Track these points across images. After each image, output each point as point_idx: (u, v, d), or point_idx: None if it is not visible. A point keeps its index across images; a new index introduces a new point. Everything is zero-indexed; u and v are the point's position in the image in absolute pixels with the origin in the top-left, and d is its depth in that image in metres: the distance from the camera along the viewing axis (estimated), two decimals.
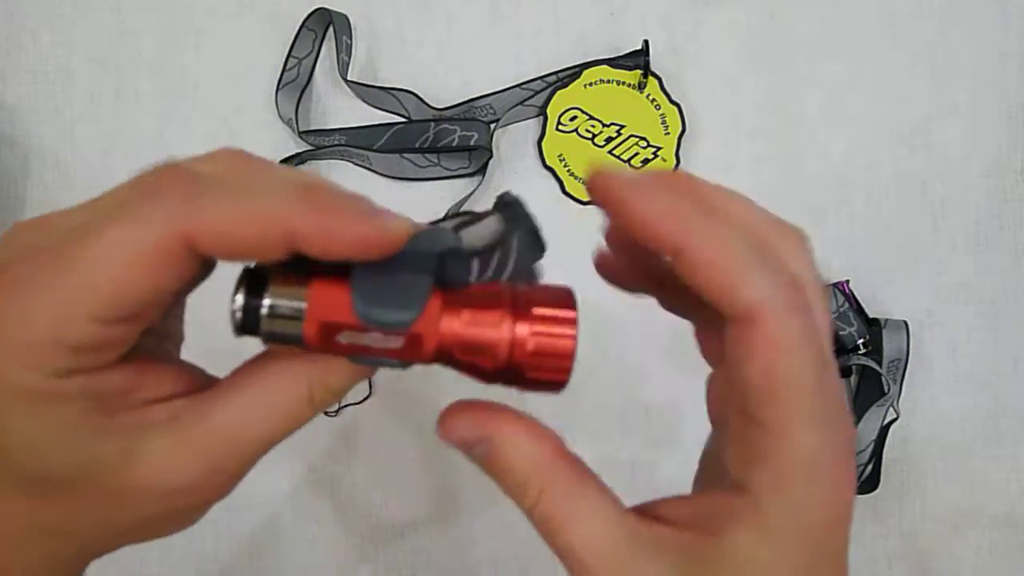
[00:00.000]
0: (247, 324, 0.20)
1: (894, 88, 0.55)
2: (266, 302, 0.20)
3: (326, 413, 0.50)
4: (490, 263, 0.21)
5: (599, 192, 0.21)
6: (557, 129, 0.54)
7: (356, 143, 0.53)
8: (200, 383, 0.22)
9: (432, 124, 0.53)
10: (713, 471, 0.24)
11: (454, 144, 0.53)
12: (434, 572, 0.50)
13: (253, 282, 0.20)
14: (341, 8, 0.53)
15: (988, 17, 0.55)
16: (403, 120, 0.54)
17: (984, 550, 0.53)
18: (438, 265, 0.21)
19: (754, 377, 0.19)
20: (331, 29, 0.54)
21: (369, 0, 0.54)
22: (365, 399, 0.50)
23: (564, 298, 0.21)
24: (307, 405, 0.21)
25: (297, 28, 0.53)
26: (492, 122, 0.53)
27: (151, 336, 0.22)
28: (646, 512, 0.22)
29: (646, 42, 0.53)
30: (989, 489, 0.53)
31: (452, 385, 0.52)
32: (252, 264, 0.21)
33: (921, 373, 0.53)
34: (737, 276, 0.19)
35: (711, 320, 0.22)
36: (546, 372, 0.20)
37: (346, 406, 0.50)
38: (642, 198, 0.20)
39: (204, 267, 0.21)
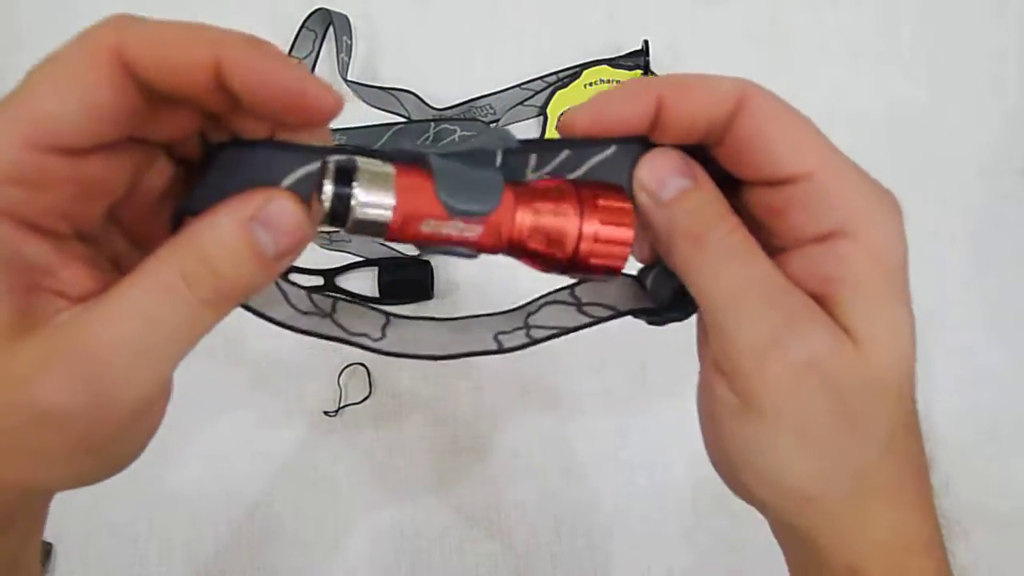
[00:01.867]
0: (337, 213, 0.19)
1: (893, 88, 0.55)
2: (357, 191, 0.20)
3: (326, 413, 0.50)
4: (549, 160, 0.23)
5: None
6: (557, 129, 0.54)
7: (356, 143, 0.53)
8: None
9: (432, 124, 0.53)
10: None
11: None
12: (434, 572, 0.50)
13: (340, 173, 0.20)
14: (341, 8, 0.53)
15: (988, 17, 0.55)
16: (403, 120, 0.54)
17: (984, 550, 0.53)
18: (502, 161, 0.22)
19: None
20: (331, 29, 0.54)
21: (369, 0, 0.54)
22: (365, 399, 0.50)
23: (620, 191, 0.22)
24: (180, 284, 0.18)
25: (297, 28, 0.53)
26: (492, 122, 0.53)
27: (88, 241, 0.21)
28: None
29: (646, 42, 0.53)
30: (989, 489, 0.53)
31: (451, 384, 0.52)
32: (337, 158, 0.20)
33: (921, 373, 0.52)
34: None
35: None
36: (608, 259, 0.21)
37: (346, 406, 0.50)
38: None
39: (145, 110, 0.19)
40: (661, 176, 0.22)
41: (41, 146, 0.17)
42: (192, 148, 0.22)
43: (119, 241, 0.22)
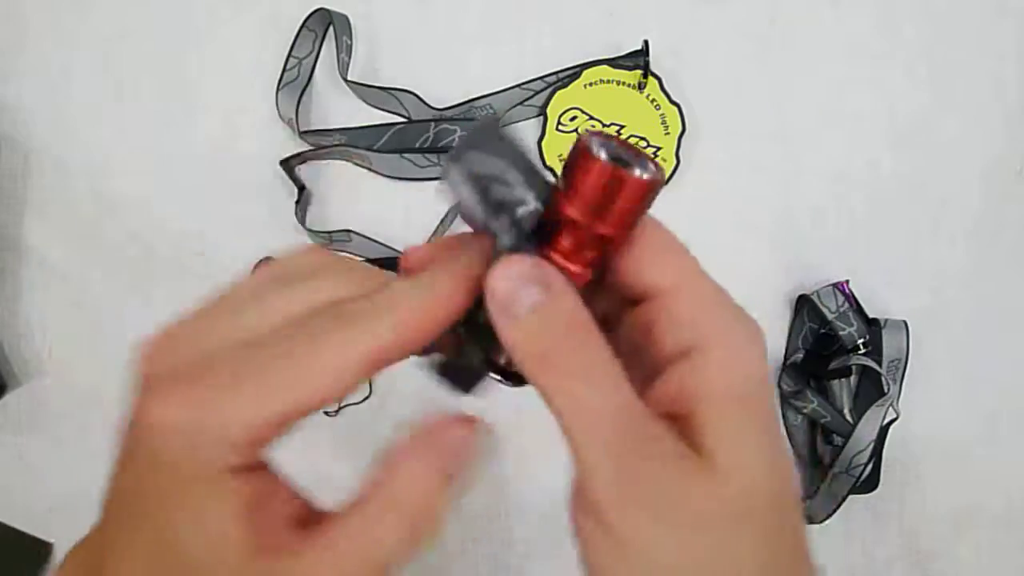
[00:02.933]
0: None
1: (894, 88, 0.55)
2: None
3: (326, 413, 0.50)
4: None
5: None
6: (557, 129, 0.54)
7: (356, 143, 0.53)
8: (304, 501, 0.23)
9: (432, 124, 0.53)
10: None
11: (454, 144, 0.53)
12: (434, 572, 0.50)
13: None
14: (341, 8, 0.53)
15: (987, 17, 0.55)
16: (403, 120, 0.54)
17: (984, 550, 0.53)
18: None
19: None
20: (331, 29, 0.54)
21: (369, 0, 0.54)
22: (365, 399, 0.50)
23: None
24: (408, 535, 0.21)
25: (297, 28, 0.53)
26: None
27: None
28: None
29: (646, 42, 0.53)
30: (989, 489, 0.53)
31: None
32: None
33: (921, 373, 0.53)
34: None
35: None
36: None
37: (346, 406, 0.50)
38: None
39: None
40: (515, 285, 0.20)
41: (297, 416, 0.20)
42: None
43: None
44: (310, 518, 0.22)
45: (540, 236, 0.21)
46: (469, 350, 0.23)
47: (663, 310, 0.21)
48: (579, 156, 0.21)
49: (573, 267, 0.21)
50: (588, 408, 0.20)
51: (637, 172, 0.20)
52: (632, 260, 0.21)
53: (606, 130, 0.54)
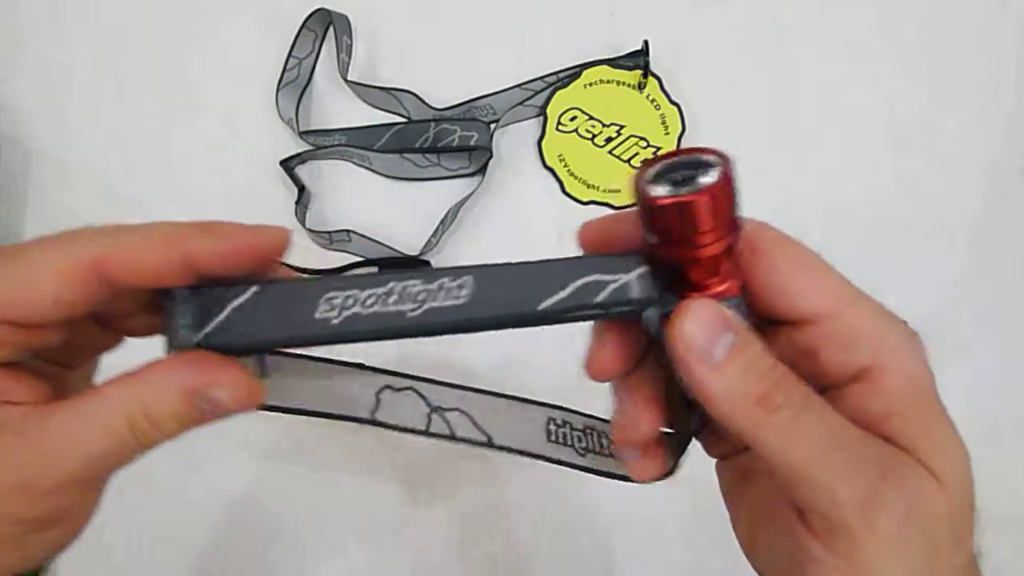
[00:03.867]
0: None
1: (894, 88, 0.55)
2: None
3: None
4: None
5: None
6: (557, 129, 0.54)
7: (356, 143, 0.53)
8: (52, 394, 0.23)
9: (432, 124, 0.53)
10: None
11: (454, 144, 0.53)
12: (434, 572, 0.50)
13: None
14: (341, 8, 0.53)
15: (987, 17, 0.55)
16: (403, 120, 0.54)
17: (984, 550, 0.53)
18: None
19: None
20: (331, 29, 0.54)
21: (369, 0, 0.54)
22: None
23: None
24: (127, 429, 0.21)
25: (297, 28, 0.53)
26: (492, 122, 0.53)
27: (47, 380, 0.24)
28: None
29: (646, 42, 0.53)
30: (989, 489, 0.53)
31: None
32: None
33: None
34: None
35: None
36: None
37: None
38: None
39: (111, 300, 0.22)
40: (709, 332, 0.20)
41: (7, 322, 0.21)
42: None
43: (45, 366, 0.25)
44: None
45: (673, 287, 0.21)
46: (680, 420, 0.24)
47: (826, 335, 0.21)
48: (643, 202, 0.20)
49: (721, 288, 0.21)
50: (814, 438, 0.20)
51: (702, 182, 0.20)
52: (783, 288, 0.21)
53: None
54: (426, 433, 0.27)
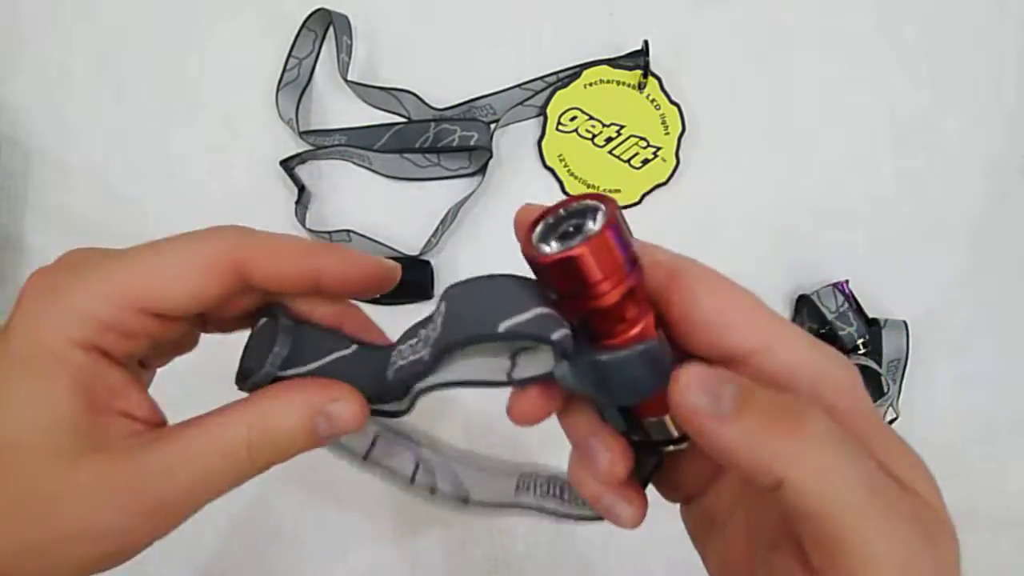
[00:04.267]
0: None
1: (894, 88, 0.55)
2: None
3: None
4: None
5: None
6: (557, 129, 0.54)
7: (356, 143, 0.53)
8: (163, 422, 0.23)
9: (432, 124, 0.53)
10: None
11: (454, 144, 0.53)
12: (434, 572, 0.50)
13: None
14: (341, 8, 0.53)
15: (987, 17, 0.55)
16: (403, 120, 0.54)
17: (984, 550, 0.53)
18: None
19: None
20: (331, 29, 0.54)
21: (369, 0, 0.54)
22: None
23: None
24: (245, 451, 0.21)
25: (297, 28, 0.53)
26: (492, 122, 0.53)
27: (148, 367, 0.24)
28: None
29: (646, 42, 0.53)
30: (988, 489, 0.53)
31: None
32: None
33: (921, 373, 0.53)
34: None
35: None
36: None
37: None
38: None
39: (239, 299, 0.23)
40: (709, 390, 0.19)
41: (144, 310, 0.21)
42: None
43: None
44: (157, 426, 0.23)
45: (594, 336, 0.20)
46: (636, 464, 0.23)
47: (758, 374, 0.20)
48: (530, 262, 0.20)
49: (634, 332, 0.20)
50: (834, 471, 0.18)
51: (588, 229, 0.19)
52: (708, 323, 0.20)
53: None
54: (409, 484, 0.27)
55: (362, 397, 0.22)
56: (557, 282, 0.19)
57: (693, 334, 0.21)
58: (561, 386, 0.20)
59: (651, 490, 0.25)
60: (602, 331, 0.20)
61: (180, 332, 0.23)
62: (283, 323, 0.23)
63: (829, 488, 0.18)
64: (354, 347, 0.23)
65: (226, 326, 0.25)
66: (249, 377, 0.23)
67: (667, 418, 0.22)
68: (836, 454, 0.18)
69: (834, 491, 0.18)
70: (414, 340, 0.22)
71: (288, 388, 0.22)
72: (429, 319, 0.22)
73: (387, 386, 0.22)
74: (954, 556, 0.20)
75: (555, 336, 0.19)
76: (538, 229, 0.20)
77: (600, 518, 0.24)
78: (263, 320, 0.24)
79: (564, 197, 0.21)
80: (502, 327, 0.20)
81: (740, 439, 0.19)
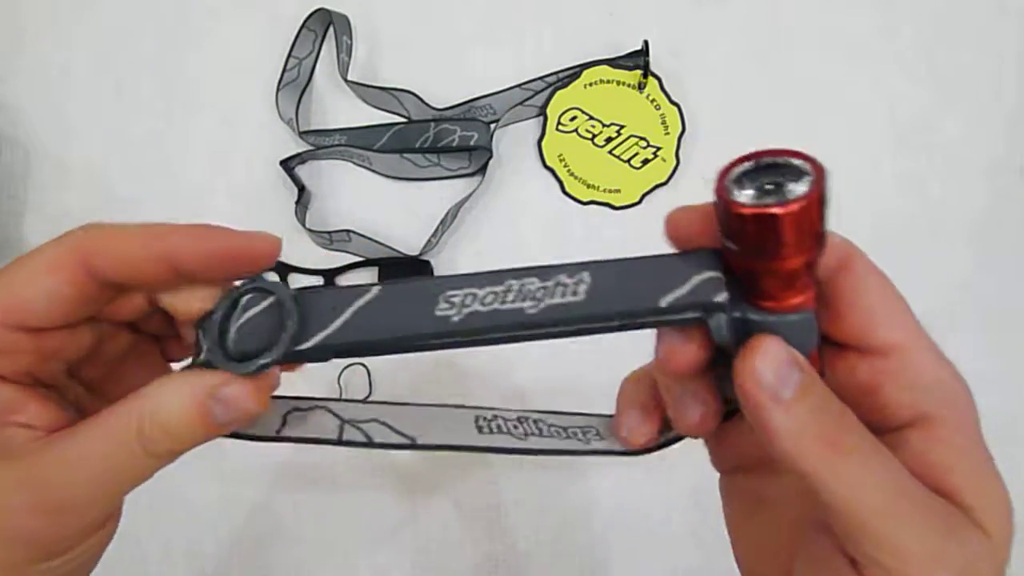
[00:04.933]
0: None
1: (893, 88, 0.55)
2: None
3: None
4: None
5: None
6: (557, 129, 0.54)
7: (356, 143, 0.53)
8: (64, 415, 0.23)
9: (432, 124, 0.53)
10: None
11: (454, 144, 0.53)
12: (434, 572, 0.50)
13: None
14: (341, 8, 0.53)
15: (987, 17, 0.55)
16: (403, 120, 0.54)
17: None
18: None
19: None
20: (331, 29, 0.54)
21: (369, 0, 0.54)
22: (365, 399, 0.50)
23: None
24: (136, 441, 0.21)
25: (297, 28, 0.53)
26: (492, 122, 0.53)
27: (74, 407, 0.24)
28: None
29: (646, 42, 0.53)
30: None
31: (452, 384, 0.52)
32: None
33: None
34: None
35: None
36: None
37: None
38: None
39: (110, 299, 0.23)
40: (779, 370, 0.19)
41: (8, 325, 0.21)
42: (151, 322, 0.25)
43: (79, 389, 0.25)
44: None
45: (746, 294, 0.20)
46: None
47: (894, 371, 0.21)
48: (723, 206, 0.19)
49: (797, 300, 0.20)
50: (882, 486, 0.19)
51: (792, 193, 0.19)
52: (867, 314, 0.21)
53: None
54: (339, 442, 0.26)
55: (264, 376, 0.21)
56: (748, 235, 0.19)
57: (849, 317, 0.21)
58: (712, 335, 0.21)
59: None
60: (769, 292, 0.20)
61: (72, 341, 0.23)
62: (282, 291, 0.22)
63: (858, 496, 0.19)
64: (376, 289, 0.22)
65: (172, 347, 0.25)
66: (253, 358, 0.21)
67: None
68: (863, 467, 0.19)
69: (862, 498, 0.19)
70: (500, 288, 0.21)
71: (176, 375, 0.22)
72: (554, 275, 0.21)
73: (452, 328, 0.21)
74: (987, 555, 0.20)
75: (718, 299, 0.20)
76: (735, 172, 0.19)
77: (595, 452, 0.25)
78: (247, 296, 0.22)
79: (766, 149, 0.20)
80: (663, 302, 0.20)
81: (784, 426, 0.19)
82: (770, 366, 0.19)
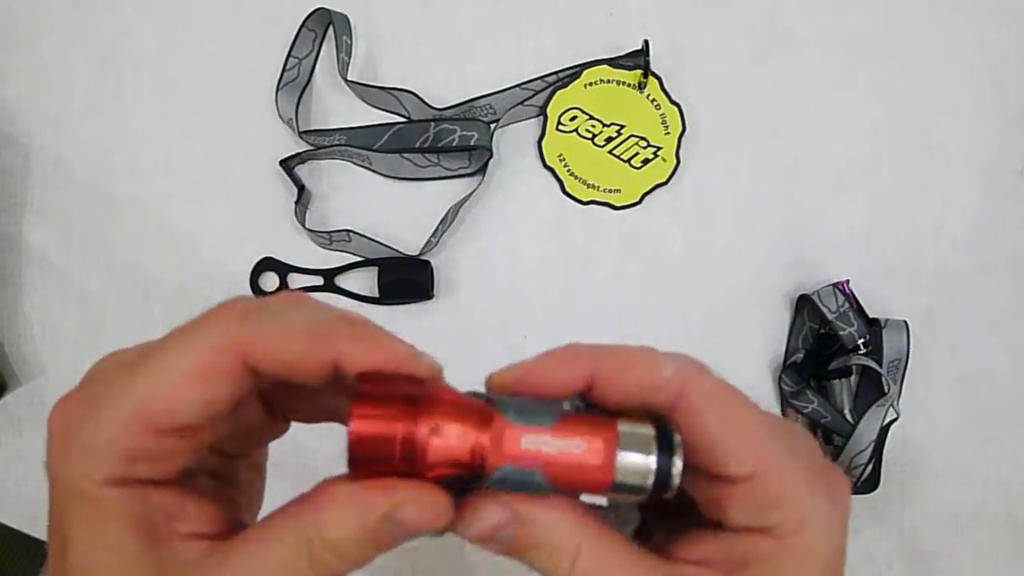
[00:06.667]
0: (660, 483, 0.20)
1: (894, 88, 0.55)
2: (678, 463, 0.20)
3: None
4: None
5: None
6: (557, 129, 0.54)
7: (356, 143, 0.53)
8: (235, 526, 0.22)
9: (432, 124, 0.53)
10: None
11: (454, 144, 0.53)
12: (434, 572, 0.50)
13: (663, 442, 0.21)
14: (341, 8, 0.53)
15: (988, 17, 0.55)
16: (403, 120, 0.54)
17: (984, 550, 0.53)
18: None
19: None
20: (331, 29, 0.54)
21: (369, 0, 0.54)
22: None
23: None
24: (305, 562, 0.20)
25: (297, 28, 0.53)
26: (492, 122, 0.53)
27: (217, 477, 0.23)
28: (669, 555, 0.22)
29: (646, 42, 0.52)
30: (989, 489, 0.53)
31: (452, 383, 0.52)
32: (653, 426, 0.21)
33: (921, 373, 0.53)
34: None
35: None
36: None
37: None
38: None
39: (261, 391, 0.22)
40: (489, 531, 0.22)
41: (161, 430, 0.20)
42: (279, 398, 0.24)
43: (213, 459, 0.24)
44: (228, 534, 0.21)
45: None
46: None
47: (741, 495, 0.21)
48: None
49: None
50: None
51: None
52: (707, 445, 0.21)
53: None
54: None
55: (435, 491, 0.20)
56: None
57: (694, 455, 0.21)
58: None
59: None
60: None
61: (224, 430, 0.22)
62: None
63: None
64: None
65: (306, 410, 0.25)
66: None
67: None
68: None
69: None
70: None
71: (344, 490, 0.20)
72: None
73: None
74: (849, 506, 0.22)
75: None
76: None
77: None
78: None
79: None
80: None
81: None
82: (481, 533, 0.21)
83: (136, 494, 0.20)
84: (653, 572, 0.21)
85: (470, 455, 0.20)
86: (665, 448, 0.20)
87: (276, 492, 0.26)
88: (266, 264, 0.53)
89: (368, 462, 0.20)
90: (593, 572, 0.20)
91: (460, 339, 0.52)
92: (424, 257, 0.52)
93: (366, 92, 0.53)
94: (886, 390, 0.50)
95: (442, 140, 0.53)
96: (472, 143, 0.53)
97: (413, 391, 0.20)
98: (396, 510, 0.20)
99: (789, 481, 0.21)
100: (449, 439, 0.20)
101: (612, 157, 0.54)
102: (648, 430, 0.21)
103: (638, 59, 0.53)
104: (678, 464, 0.20)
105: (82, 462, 0.20)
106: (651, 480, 0.20)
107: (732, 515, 0.21)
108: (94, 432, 0.20)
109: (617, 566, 0.21)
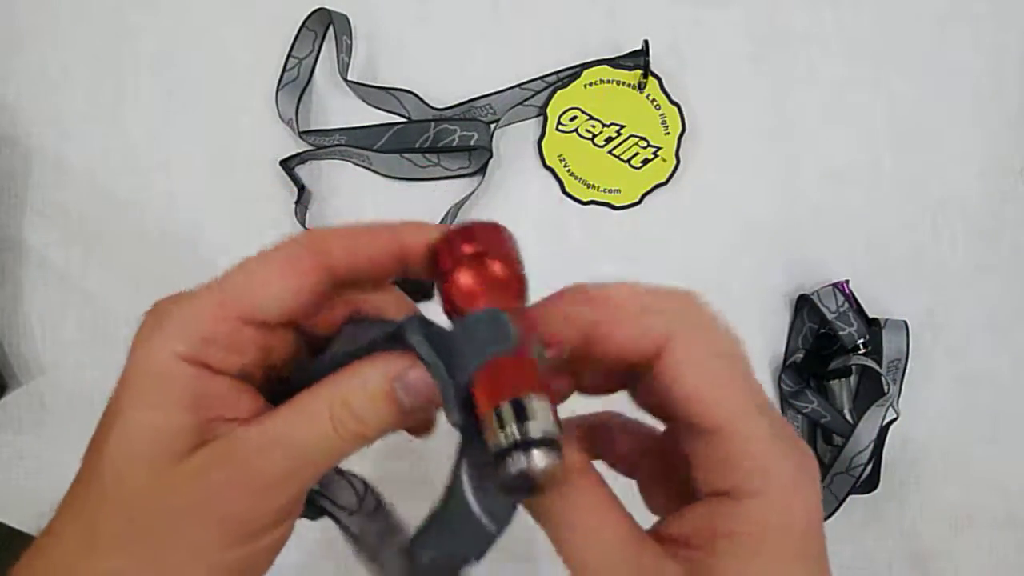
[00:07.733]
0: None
1: (894, 88, 0.55)
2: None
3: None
4: None
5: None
6: (557, 129, 0.54)
7: (356, 143, 0.53)
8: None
9: (432, 124, 0.53)
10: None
11: (454, 144, 0.53)
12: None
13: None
14: (341, 8, 0.53)
15: (988, 17, 0.55)
16: (403, 120, 0.54)
17: (984, 550, 0.53)
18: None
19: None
20: (331, 29, 0.54)
21: (369, 0, 0.54)
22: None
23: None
24: (328, 422, 0.22)
25: (297, 28, 0.53)
26: (492, 122, 0.53)
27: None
28: (659, 533, 0.23)
29: (646, 42, 0.53)
30: (989, 489, 0.53)
31: None
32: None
33: (921, 373, 0.53)
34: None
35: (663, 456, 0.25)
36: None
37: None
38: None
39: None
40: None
41: (242, 319, 0.22)
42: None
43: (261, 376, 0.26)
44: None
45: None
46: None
47: (708, 448, 0.21)
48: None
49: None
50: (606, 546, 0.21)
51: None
52: (681, 397, 0.21)
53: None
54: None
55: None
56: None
57: (669, 404, 0.22)
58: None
59: None
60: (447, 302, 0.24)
61: (289, 342, 0.24)
62: (414, 336, 0.22)
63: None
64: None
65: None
66: None
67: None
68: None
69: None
70: None
71: (367, 361, 0.23)
72: None
73: None
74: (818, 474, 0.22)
75: (402, 320, 0.22)
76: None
77: None
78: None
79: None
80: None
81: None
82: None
83: (203, 374, 0.22)
84: (641, 553, 0.21)
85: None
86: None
87: None
88: None
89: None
90: (568, 525, 0.22)
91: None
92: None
93: (366, 92, 0.53)
94: (886, 390, 0.50)
95: (442, 140, 0.53)
96: (472, 143, 0.53)
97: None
98: (405, 373, 0.22)
99: (757, 441, 0.21)
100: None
101: (612, 157, 0.54)
102: None
103: (638, 59, 0.53)
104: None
105: (170, 334, 0.22)
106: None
107: (702, 477, 0.22)
108: (187, 310, 0.22)
109: (601, 526, 0.22)
